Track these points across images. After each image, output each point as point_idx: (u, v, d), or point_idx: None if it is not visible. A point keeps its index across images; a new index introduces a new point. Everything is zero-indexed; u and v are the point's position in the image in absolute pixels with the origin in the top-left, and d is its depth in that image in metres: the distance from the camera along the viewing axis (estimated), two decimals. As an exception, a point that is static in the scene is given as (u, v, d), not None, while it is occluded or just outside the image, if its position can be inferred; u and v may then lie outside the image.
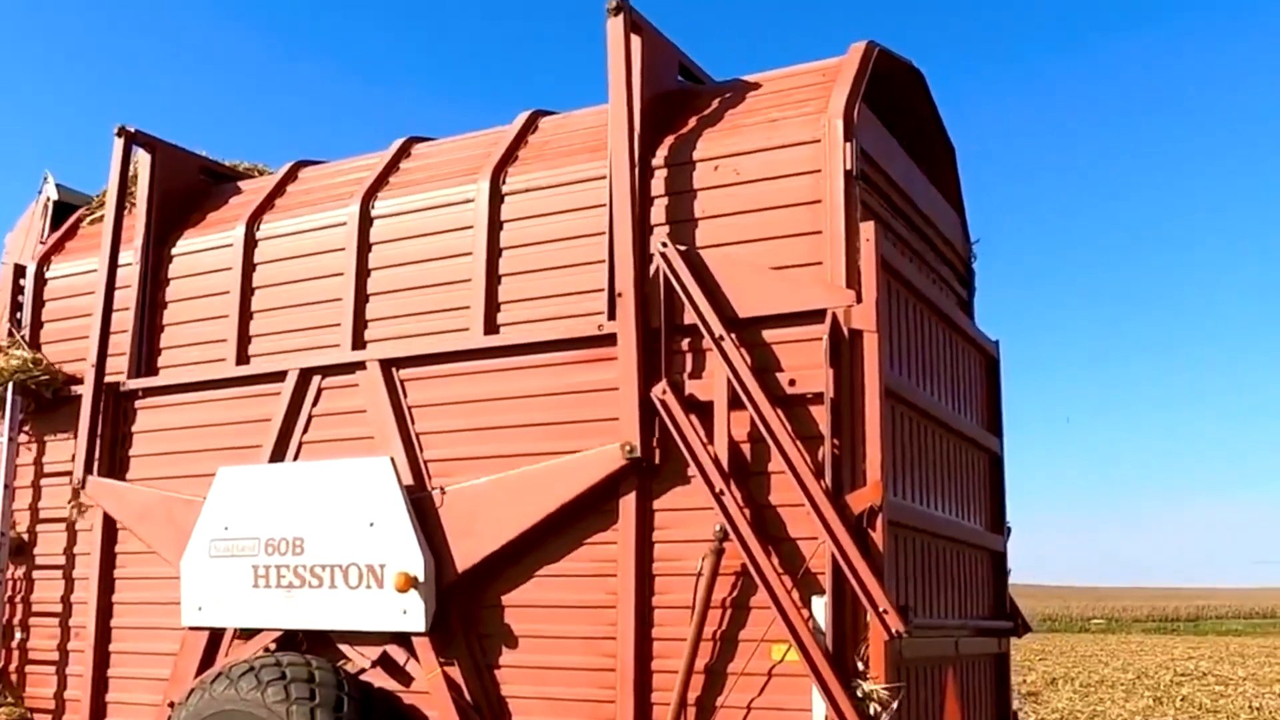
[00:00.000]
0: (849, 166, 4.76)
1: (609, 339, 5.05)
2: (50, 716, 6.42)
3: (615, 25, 5.18)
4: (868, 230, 4.70)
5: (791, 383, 4.71)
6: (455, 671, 5.20)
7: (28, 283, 6.99)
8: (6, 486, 6.55)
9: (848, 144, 4.77)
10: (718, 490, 4.65)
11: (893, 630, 4.33)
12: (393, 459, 5.39)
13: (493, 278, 5.45)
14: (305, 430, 5.82)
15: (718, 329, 4.77)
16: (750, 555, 4.56)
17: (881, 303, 4.68)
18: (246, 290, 6.17)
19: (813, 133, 4.88)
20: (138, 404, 6.39)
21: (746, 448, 4.77)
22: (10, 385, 6.55)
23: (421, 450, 5.48)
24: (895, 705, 4.36)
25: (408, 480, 5.38)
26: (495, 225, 5.50)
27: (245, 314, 6.15)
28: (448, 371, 5.48)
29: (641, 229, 5.06)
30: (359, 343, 5.75)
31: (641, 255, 5.03)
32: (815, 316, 4.69)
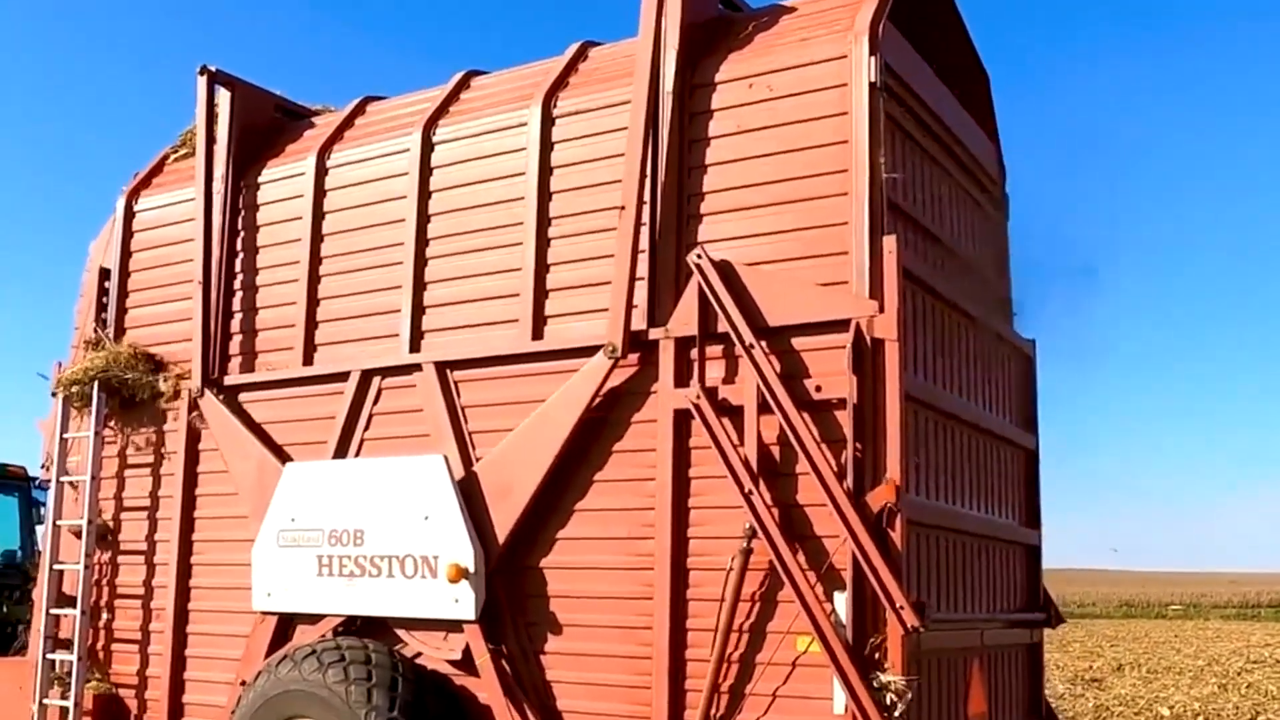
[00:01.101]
0: (873, 79, 5.05)
1: (650, 345, 5.36)
2: (134, 691, 6.88)
3: None
4: (890, 243, 4.95)
5: (818, 389, 4.96)
6: (503, 656, 5.54)
7: (117, 219, 7.43)
8: (93, 478, 7.01)
9: (872, 58, 5.06)
10: (746, 490, 4.93)
11: (908, 625, 4.58)
12: (446, 457, 5.74)
13: (544, 196, 5.81)
14: (367, 428, 6.20)
15: (748, 336, 5.04)
16: (776, 552, 4.84)
17: (904, 311, 4.92)
18: (318, 216, 6.58)
19: (839, 49, 5.18)
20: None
21: (775, 450, 5.03)
22: (96, 384, 7.00)
23: (474, 448, 5.82)
24: (910, 696, 4.60)
25: (460, 475, 5.72)
26: (547, 145, 5.87)
27: (316, 243, 6.54)
28: (497, 374, 5.81)
29: (653, 154, 5.45)
30: (416, 334, 6.10)
31: (653, 173, 5.43)
32: (840, 326, 4.94)
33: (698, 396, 5.15)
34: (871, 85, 5.06)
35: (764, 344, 5.06)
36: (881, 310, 4.88)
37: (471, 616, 5.54)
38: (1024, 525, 6.58)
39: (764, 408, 5.03)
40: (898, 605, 4.58)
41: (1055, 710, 7.09)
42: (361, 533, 5.88)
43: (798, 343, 5.06)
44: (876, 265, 4.95)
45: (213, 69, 7.06)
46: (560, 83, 6.03)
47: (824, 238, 5.10)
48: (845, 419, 4.86)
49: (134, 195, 7.52)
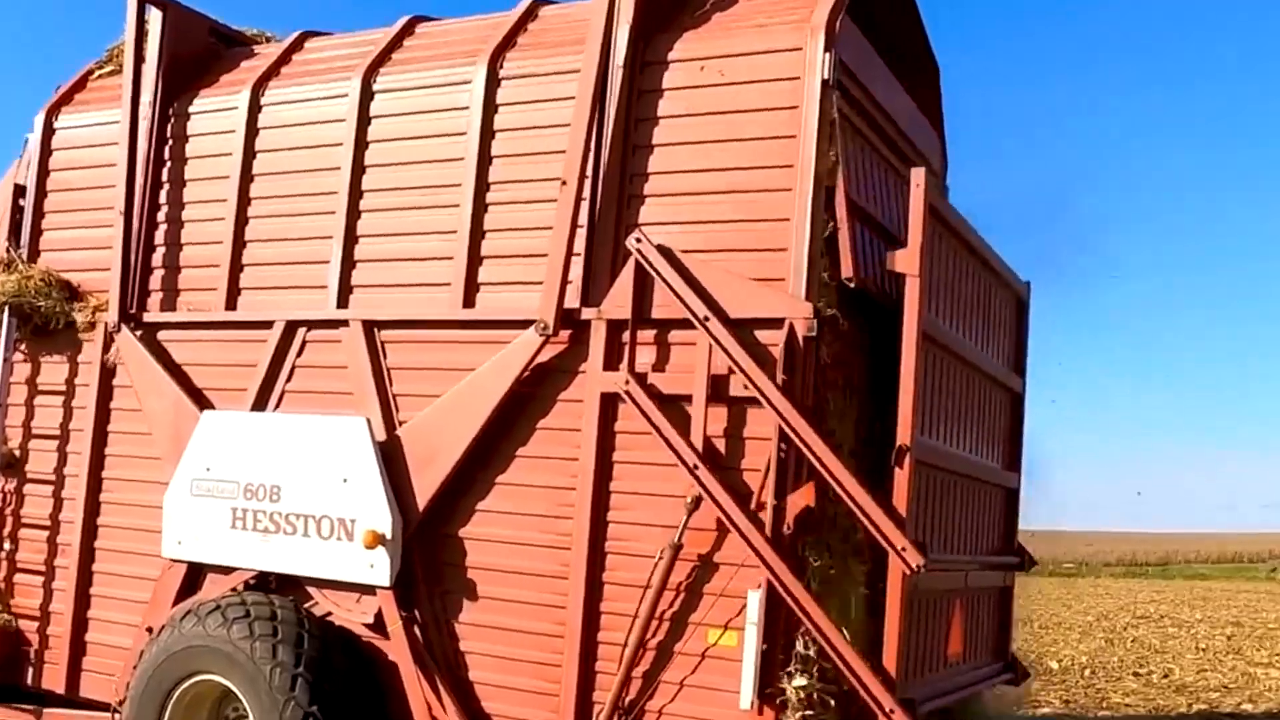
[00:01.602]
0: (826, 76, 5.00)
1: (581, 324, 5.31)
2: (35, 625, 6.78)
3: None
4: (918, 175, 5.00)
5: (746, 386, 4.96)
6: (416, 623, 5.54)
7: (35, 135, 7.13)
8: (1, 405, 6.82)
9: (827, 54, 5.00)
10: (692, 465, 4.92)
11: (913, 566, 4.64)
12: (369, 420, 5.67)
13: (484, 159, 5.69)
14: (289, 379, 6.09)
15: (703, 318, 5.00)
16: (730, 520, 4.83)
17: (926, 248, 4.97)
18: (249, 155, 6.38)
19: (796, 40, 5.10)
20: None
21: (705, 440, 5.03)
22: (6, 309, 6.78)
23: (398, 411, 5.75)
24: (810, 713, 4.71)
25: (381, 438, 5.66)
26: (491, 107, 5.73)
27: (246, 183, 6.35)
28: (426, 338, 5.73)
29: (599, 129, 5.35)
30: (345, 289, 5.96)
31: (597, 149, 5.34)
32: (774, 324, 4.93)
33: (627, 381, 5.13)
34: (824, 82, 4.99)
35: (698, 335, 5.04)
36: (906, 245, 4.98)
37: (386, 583, 5.52)
38: (1006, 468, 6.73)
39: (699, 395, 5.03)
40: (900, 547, 4.65)
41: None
42: (278, 489, 5.80)
43: (739, 334, 5.02)
44: (814, 266, 4.93)
45: None
46: (508, 42, 5.87)
47: (765, 232, 5.06)
48: (771, 418, 4.87)
49: (54, 111, 7.19)
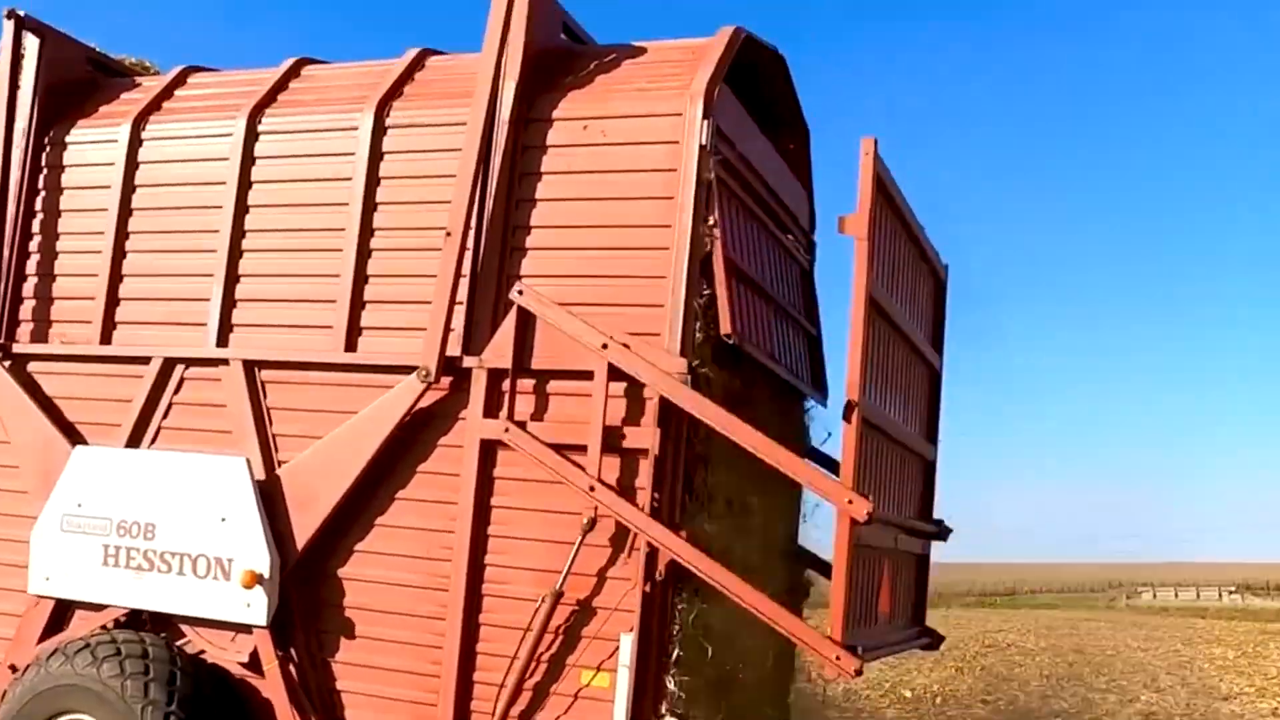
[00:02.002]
0: (704, 141, 5.23)
1: (462, 372, 5.46)
2: (-110, 660, 6.58)
3: None
4: (867, 145, 5.21)
5: (623, 437, 5.17)
6: (292, 662, 5.60)
7: None
8: None
9: (705, 121, 5.23)
10: (589, 486, 5.12)
11: (860, 516, 4.86)
12: (249, 459, 5.72)
13: (369, 206, 5.81)
14: (165, 416, 6.09)
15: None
16: (629, 520, 5.05)
17: (873, 214, 5.21)
18: (129, 189, 6.38)
19: (675, 106, 5.33)
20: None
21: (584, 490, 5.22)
22: None
23: (277, 451, 5.81)
24: None
25: (261, 478, 5.71)
26: (377, 155, 5.86)
27: (124, 216, 6.35)
28: (307, 380, 5.80)
29: (483, 182, 5.51)
30: (225, 327, 6.01)
31: (481, 202, 5.50)
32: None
33: (507, 429, 5.29)
34: (702, 147, 5.24)
35: (575, 386, 5.25)
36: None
37: (263, 622, 5.57)
38: (926, 439, 7.04)
39: (571, 447, 5.23)
40: (846, 499, 4.89)
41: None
42: (153, 526, 5.80)
43: (610, 389, 5.24)
44: (689, 323, 5.18)
45: (21, 14, 6.68)
46: (395, 90, 6.00)
47: (641, 289, 5.29)
48: (647, 468, 5.08)
49: None
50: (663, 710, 4.97)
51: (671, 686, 5.01)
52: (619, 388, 5.22)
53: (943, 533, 7.28)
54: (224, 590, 5.62)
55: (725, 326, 5.24)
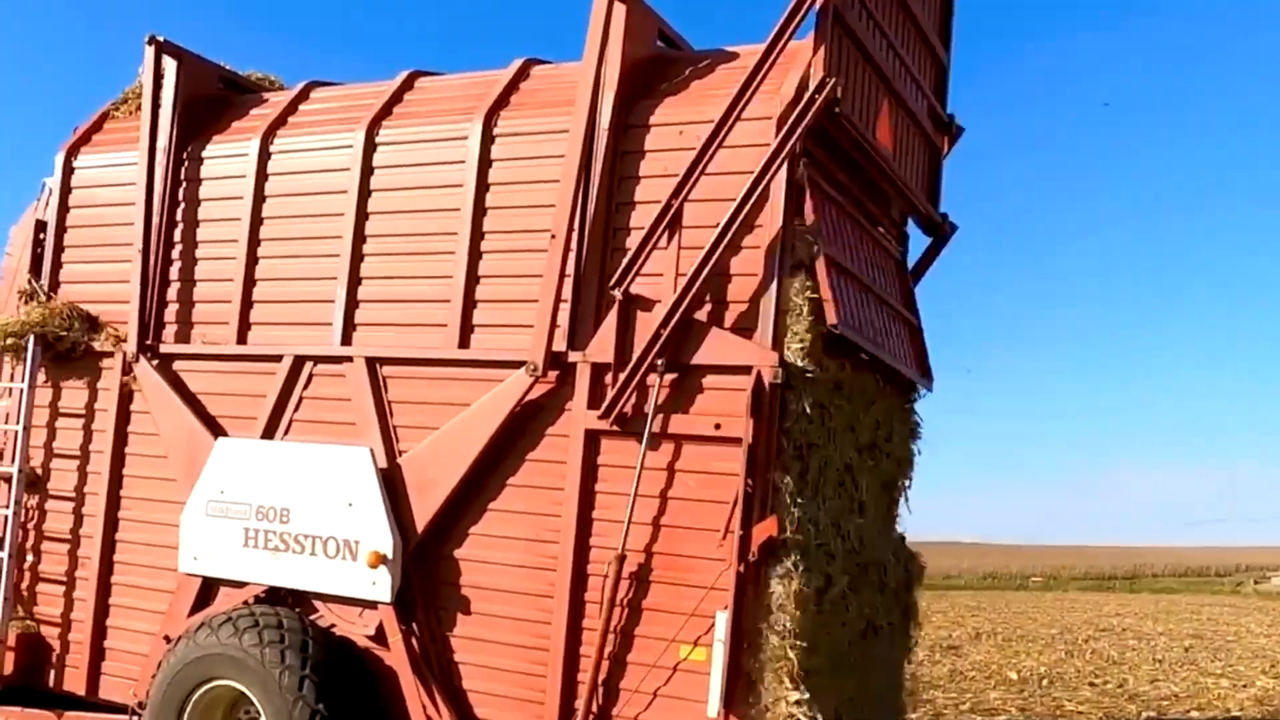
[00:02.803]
0: (794, 145, 5.47)
1: (568, 366, 5.85)
2: (58, 631, 7.26)
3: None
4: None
5: (717, 426, 5.50)
6: (414, 635, 6.07)
7: (55, 173, 7.63)
8: (25, 428, 7.31)
9: (794, 124, 5.43)
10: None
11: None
12: (372, 450, 6.19)
13: (479, 211, 6.21)
14: (296, 409, 6.61)
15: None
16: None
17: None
18: (259, 199, 6.90)
19: (768, 109, 5.58)
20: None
21: (675, 476, 5.59)
22: (31, 337, 7.28)
23: (398, 441, 6.27)
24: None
25: (383, 466, 6.18)
26: (485, 162, 6.26)
27: (256, 225, 6.87)
28: (424, 375, 6.25)
29: (585, 186, 5.87)
30: (349, 326, 6.49)
31: (583, 205, 5.86)
32: (743, 370, 5.46)
33: (609, 421, 5.67)
34: (791, 149, 5.54)
35: (672, 379, 5.60)
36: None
37: (387, 599, 6.05)
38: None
39: (668, 436, 5.59)
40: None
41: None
42: (288, 511, 6.32)
43: (705, 381, 5.58)
44: (781, 318, 5.48)
45: (160, 39, 7.27)
46: (502, 100, 6.40)
47: (735, 286, 5.61)
48: (740, 456, 5.41)
49: (74, 151, 7.70)
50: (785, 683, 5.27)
51: (790, 655, 5.30)
52: (715, 380, 5.55)
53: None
54: (352, 569, 6.11)
55: (831, 318, 5.53)
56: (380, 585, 6.05)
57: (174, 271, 7.17)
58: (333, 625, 6.27)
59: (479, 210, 6.24)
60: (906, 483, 7.23)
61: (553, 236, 5.87)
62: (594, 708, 5.62)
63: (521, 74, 6.57)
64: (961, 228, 7.48)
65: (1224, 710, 13.60)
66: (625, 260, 5.73)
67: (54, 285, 7.56)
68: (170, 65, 7.30)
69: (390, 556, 6.03)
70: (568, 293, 5.91)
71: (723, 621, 5.36)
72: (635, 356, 5.63)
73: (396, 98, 6.83)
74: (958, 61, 7.41)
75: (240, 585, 6.50)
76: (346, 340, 6.51)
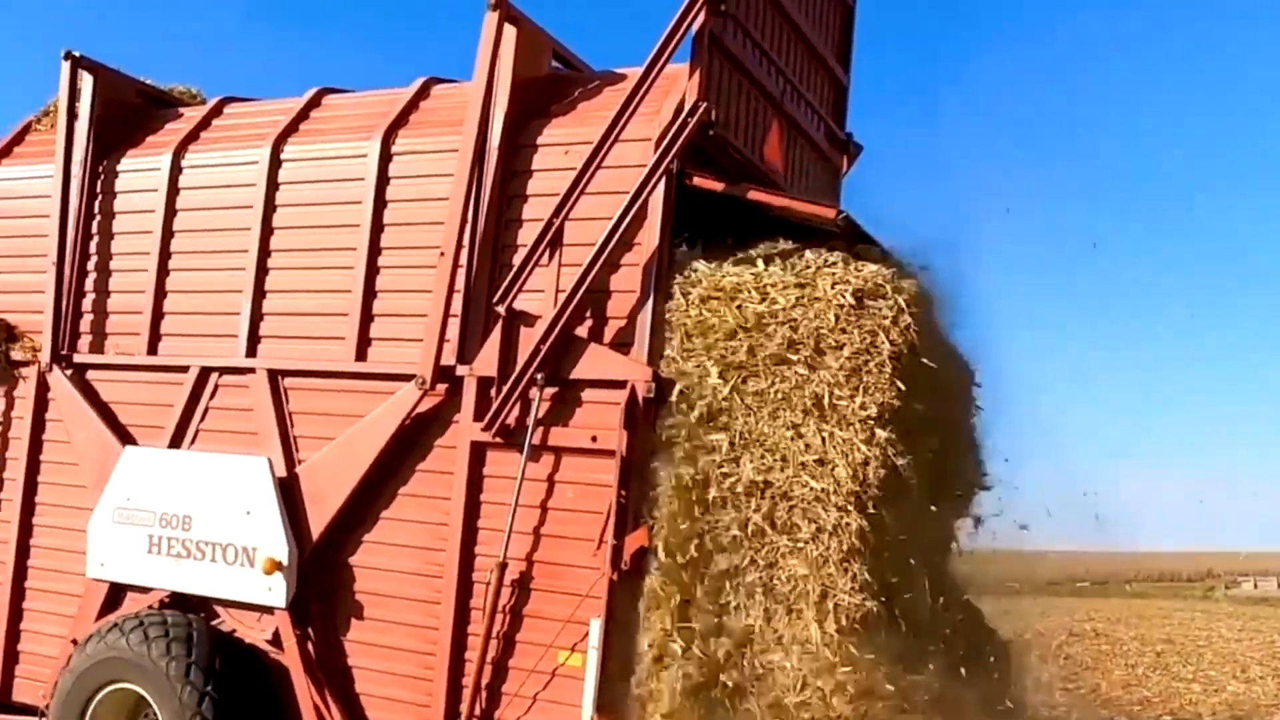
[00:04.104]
0: (674, 167, 5.67)
1: (456, 380, 6.02)
2: (-29, 636, 7.40)
3: (490, 19, 6.07)
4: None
5: (593, 439, 5.68)
6: (309, 640, 6.24)
7: None
8: (-57, 434, 7.46)
9: (670, 146, 5.61)
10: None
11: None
12: (270, 460, 6.36)
13: (377, 227, 6.39)
14: (202, 419, 6.77)
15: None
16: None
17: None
18: (170, 213, 7.06)
19: (647, 131, 5.76)
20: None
21: (552, 487, 5.77)
22: None
23: (297, 451, 6.44)
24: None
25: (281, 476, 6.35)
26: (383, 179, 6.43)
27: (166, 238, 7.02)
28: (323, 386, 6.42)
29: (475, 204, 6.05)
30: (254, 339, 6.66)
31: (474, 222, 6.05)
32: (619, 385, 5.64)
33: (492, 433, 5.85)
34: (670, 172, 5.72)
35: (553, 392, 5.78)
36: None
37: (282, 604, 6.22)
38: None
39: (548, 448, 5.77)
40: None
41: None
42: (190, 518, 6.49)
43: (584, 395, 5.76)
44: (658, 334, 5.65)
45: (76, 54, 7.41)
46: (401, 119, 6.57)
47: (615, 303, 5.79)
48: (613, 468, 5.58)
49: None
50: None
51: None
52: (593, 394, 5.74)
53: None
54: (249, 576, 6.28)
55: None
56: (276, 591, 6.22)
57: (89, 283, 7.32)
58: (234, 630, 6.44)
59: (377, 226, 6.41)
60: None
61: (441, 253, 6.04)
62: (477, 710, 5.80)
63: (422, 93, 6.74)
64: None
65: (1196, 715, 13.71)
66: (509, 277, 5.91)
67: None
68: (87, 80, 7.45)
69: (286, 563, 6.20)
70: (458, 308, 6.08)
71: (596, 628, 5.53)
72: (517, 371, 5.81)
73: (304, 115, 6.99)
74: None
75: (146, 590, 6.66)
76: (251, 352, 6.67)
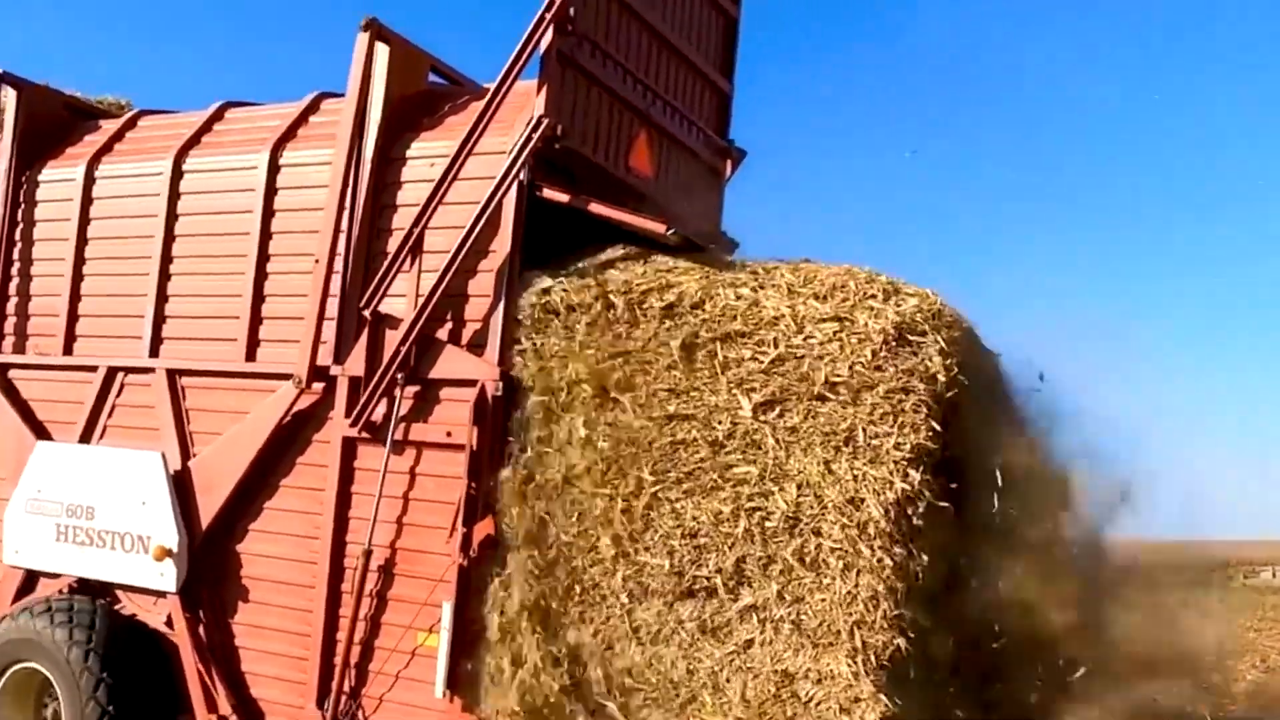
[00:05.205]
0: (523, 178, 6.04)
1: (331, 379, 6.43)
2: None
3: (361, 38, 6.48)
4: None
5: (448, 434, 6.07)
6: (199, 623, 6.68)
7: None
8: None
9: (520, 158, 5.97)
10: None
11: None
12: (164, 453, 6.80)
13: (265, 235, 6.79)
14: (110, 416, 7.22)
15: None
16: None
17: None
18: (84, 221, 7.48)
19: (501, 144, 6.12)
20: None
21: (413, 479, 6.17)
22: None
23: (193, 446, 6.87)
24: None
25: (175, 469, 6.79)
26: (271, 191, 6.84)
27: (81, 245, 7.45)
28: (216, 385, 6.85)
29: (352, 212, 6.44)
30: (157, 340, 7.08)
31: (349, 231, 6.43)
32: (471, 384, 6.03)
33: (359, 429, 6.25)
34: (520, 183, 6.09)
35: (414, 390, 6.17)
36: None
37: (173, 589, 6.66)
38: None
39: (410, 443, 6.16)
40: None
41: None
42: (93, 509, 6.94)
43: (442, 393, 6.15)
44: (509, 335, 6.02)
45: (1, 70, 7.87)
46: (290, 133, 6.97)
47: (471, 306, 6.17)
48: (464, 461, 5.96)
49: None
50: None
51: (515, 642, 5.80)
52: (449, 392, 6.12)
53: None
54: (144, 562, 6.72)
55: None
56: (167, 577, 6.66)
57: (12, 288, 7.77)
58: (134, 614, 6.89)
59: (265, 235, 6.82)
60: None
61: (316, 261, 6.45)
62: (346, 687, 6.22)
63: (312, 107, 7.13)
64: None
65: (1217, 705, 13.80)
66: (373, 282, 6.30)
67: None
68: (10, 95, 7.88)
69: (176, 551, 6.64)
70: (335, 312, 6.48)
71: (448, 611, 5.93)
72: (380, 370, 6.21)
73: (206, 128, 7.41)
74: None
75: (55, 576, 7.12)
76: (154, 353, 7.10)
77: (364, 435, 6.28)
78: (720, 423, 5.48)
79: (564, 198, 6.13)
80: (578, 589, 5.65)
